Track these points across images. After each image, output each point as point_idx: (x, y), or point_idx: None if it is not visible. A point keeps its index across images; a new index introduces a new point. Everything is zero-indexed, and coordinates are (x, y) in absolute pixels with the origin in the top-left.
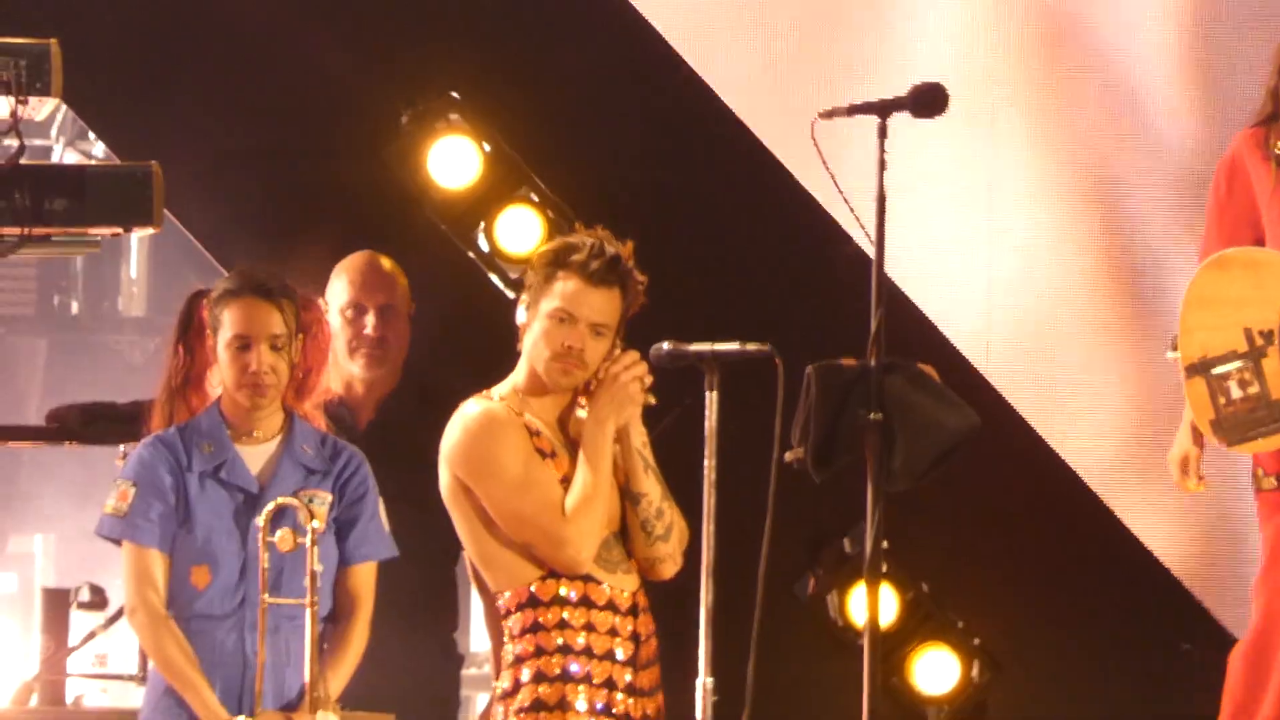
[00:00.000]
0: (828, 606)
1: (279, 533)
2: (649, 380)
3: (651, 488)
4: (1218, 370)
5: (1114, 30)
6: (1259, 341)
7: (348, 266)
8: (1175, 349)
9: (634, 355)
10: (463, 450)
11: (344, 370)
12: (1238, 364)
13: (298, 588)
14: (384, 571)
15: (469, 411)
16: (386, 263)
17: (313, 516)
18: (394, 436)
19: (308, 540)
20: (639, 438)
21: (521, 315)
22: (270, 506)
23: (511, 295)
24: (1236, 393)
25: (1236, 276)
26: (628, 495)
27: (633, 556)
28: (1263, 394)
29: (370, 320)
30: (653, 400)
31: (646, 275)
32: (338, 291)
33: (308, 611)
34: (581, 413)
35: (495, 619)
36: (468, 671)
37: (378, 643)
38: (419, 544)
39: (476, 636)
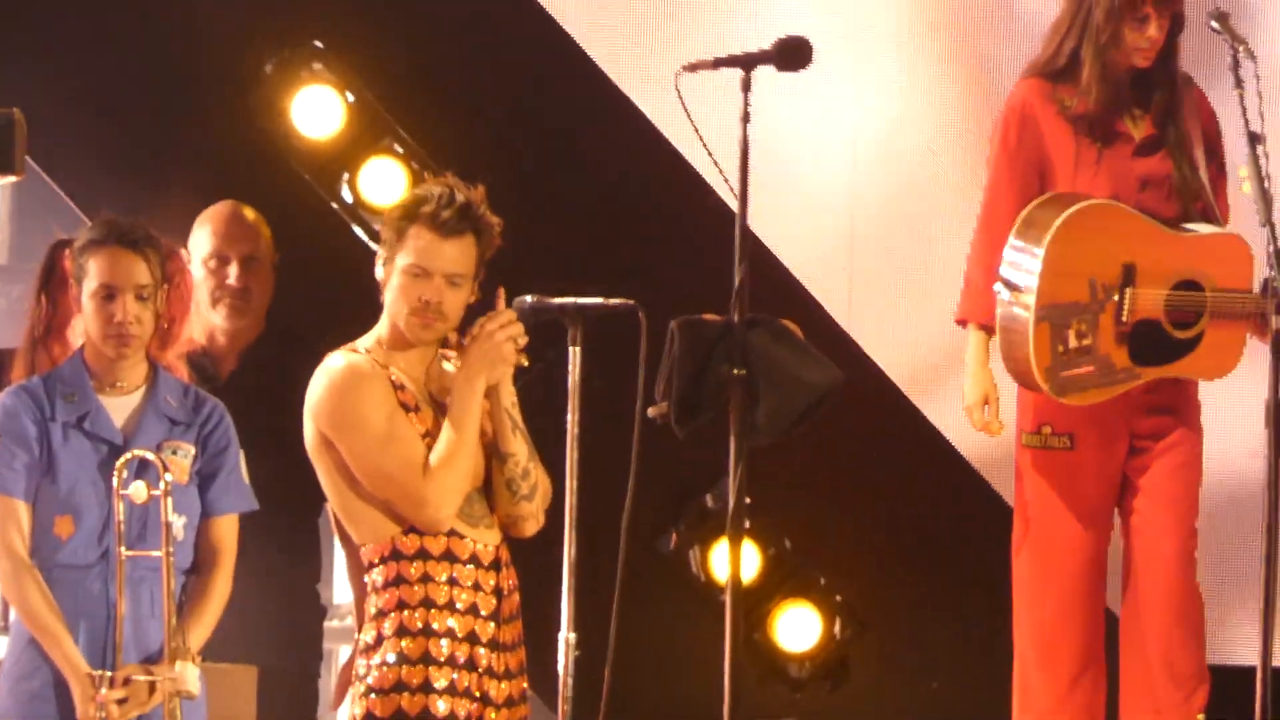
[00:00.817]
0: (690, 562)
1: (133, 485)
2: (523, 340)
3: (519, 448)
4: (1062, 317)
5: None
6: (1100, 295)
7: (211, 217)
8: (1011, 288)
9: (510, 314)
10: (326, 404)
11: (206, 321)
12: (1079, 314)
13: (159, 540)
14: (246, 523)
15: (333, 364)
16: (250, 213)
17: (167, 469)
18: (256, 387)
19: (160, 491)
20: (509, 397)
21: (380, 271)
22: (124, 459)
23: (374, 246)
24: (1073, 342)
25: (1093, 228)
26: (495, 454)
27: (495, 512)
28: (1093, 346)
29: (233, 270)
30: (525, 361)
31: (510, 229)
32: (200, 242)
33: (163, 561)
34: (448, 365)
35: (359, 571)
36: (330, 624)
37: (240, 594)
38: (281, 495)
39: (339, 588)
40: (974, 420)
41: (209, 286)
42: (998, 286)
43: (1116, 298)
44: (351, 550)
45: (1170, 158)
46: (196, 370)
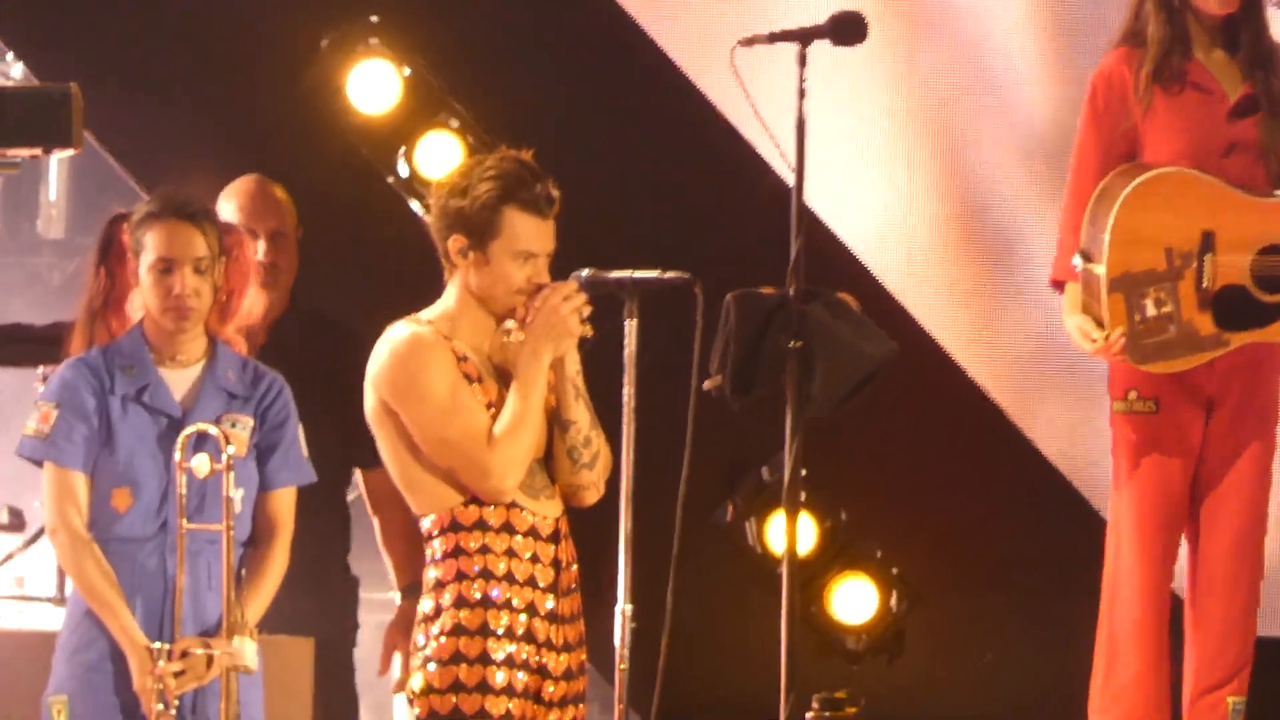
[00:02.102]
0: (746, 534)
1: (196, 459)
2: (587, 310)
3: (581, 416)
4: (1137, 287)
5: None
6: (1178, 263)
7: (236, 191)
8: (1086, 259)
9: (572, 285)
10: (389, 373)
11: None
12: (1156, 283)
13: (218, 513)
14: None
15: (396, 335)
16: (275, 187)
17: (229, 442)
18: (285, 359)
19: (222, 465)
20: (573, 366)
21: (460, 251)
22: (187, 432)
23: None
24: (1151, 310)
25: (1164, 196)
26: (557, 422)
27: (556, 482)
28: (1175, 314)
29: (261, 246)
30: (590, 332)
31: (566, 202)
32: (226, 216)
33: (223, 536)
34: (516, 336)
35: (393, 539)
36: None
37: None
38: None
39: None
40: (1099, 347)
41: None
42: (1075, 259)
43: (1195, 265)
44: (385, 520)
45: (1261, 122)
46: None
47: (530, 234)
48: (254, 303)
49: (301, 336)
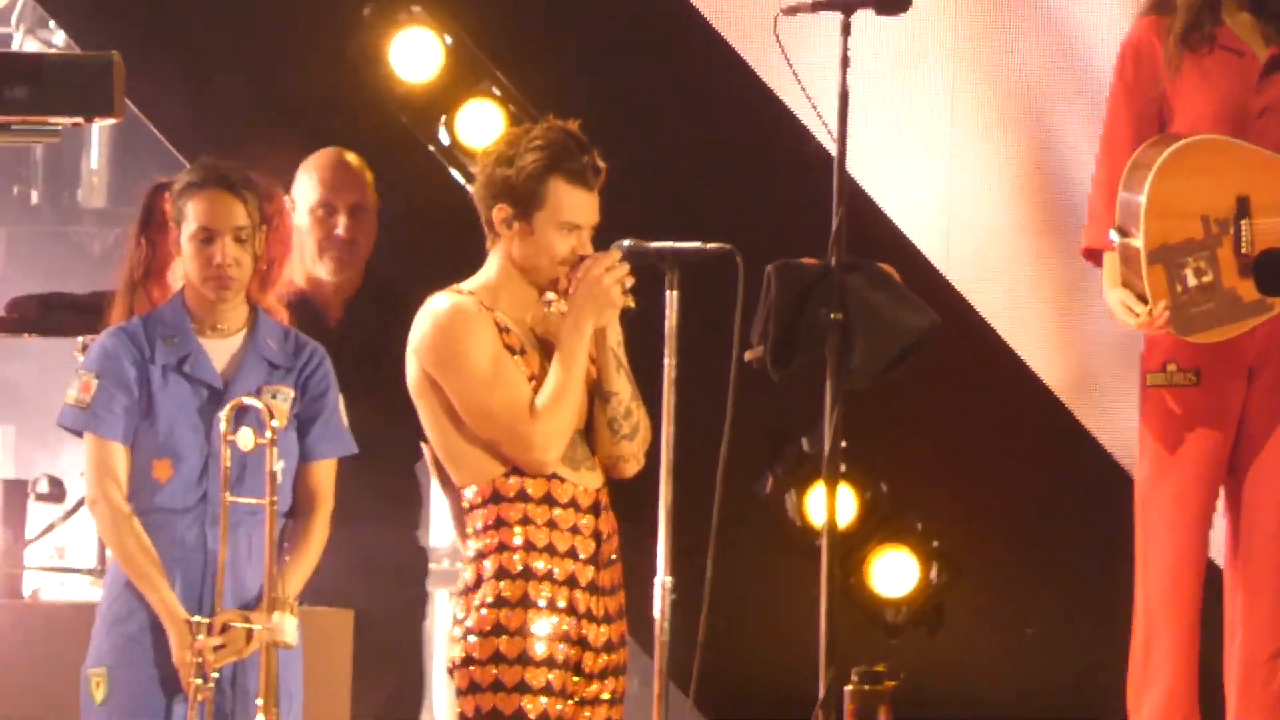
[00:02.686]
0: (786, 506)
1: (240, 431)
2: (630, 282)
3: (622, 387)
4: (1177, 258)
5: None
6: (1215, 230)
7: (316, 164)
8: (1123, 233)
9: (615, 255)
10: (431, 344)
11: (311, 270)
12: (1195, 252)
13: (259, 485)
14: (346, 468)
15: (438, 305)
16: (354, 160)
17: (273, 416)
18: (361, 334)
19: (266, 439)
20: (615, 336)
21: (505, 220)
22: (232, 404)
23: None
24: (1192, 281)
25: (1197, 164)
26: (598, 393)
27: (597, 454)
28: (1215, 283)
29: (341, 221)
30: (632, 303)
31: (608, 172)
32: (306, 190)
33: (266, 511)
34: (559, 307)
35: (460, 515)
36: (430, 567)
37: (344, 541)
38: (383, 441)
39: (436, 533)
40: (1143, 321)
41: (315, 236)
42: (1111, 233)
43: (1233, 231)
44: (453, 494)
45: None
46: (302, 318)
47: (575, 205)
48: (295, 272)
49: (377, 312)
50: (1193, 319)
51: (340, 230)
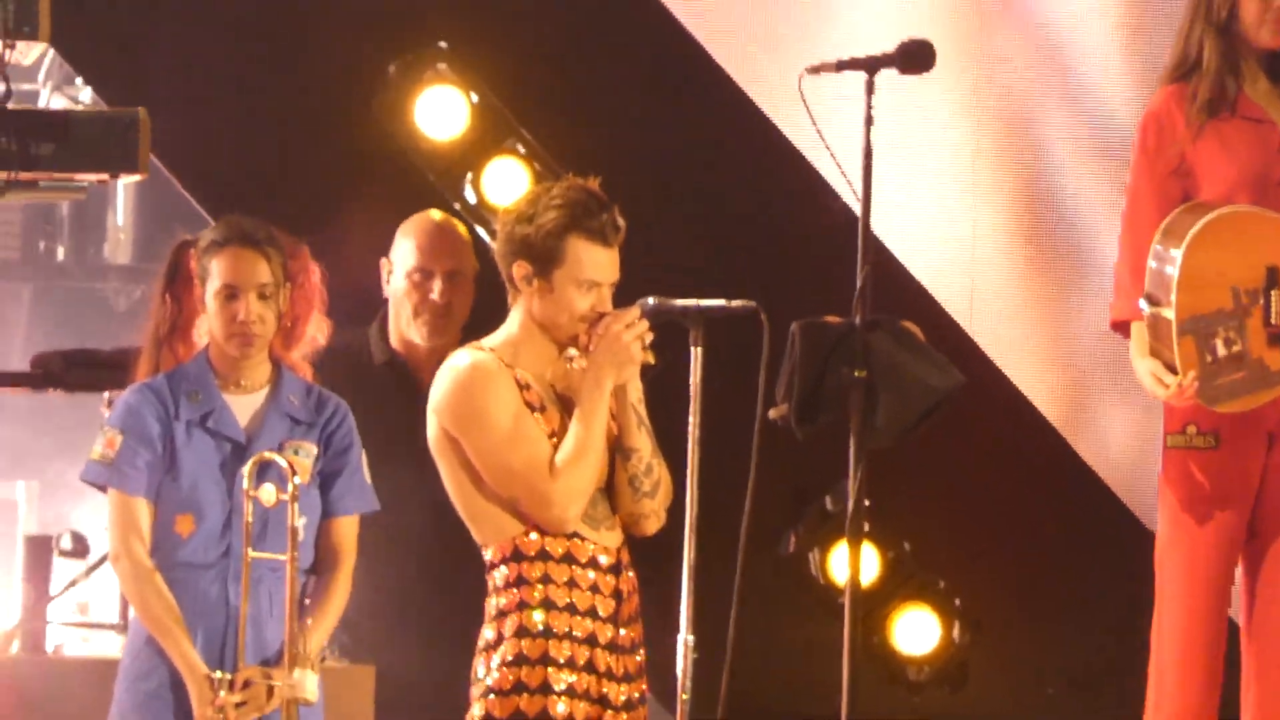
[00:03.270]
0: (809, 564)
1: (263, 487)
2: (649, 338)
3: (643, 444)
4: (1207, 328)
5: None
6: (1244, 300)
7: (415, 229)
8: (1153, 303)
9: (635, 312)
10: (451, 401)
11: (405, 333)
12: (1224, 323)
13: (281, 541)
14: (425, 524)
15: (459, 363)
16: (454, 224)
17: (295, 472)
18: None
19: (289, 495)
20: (635, 393)
21: (528, 281)
22: (254, 460)
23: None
24: (1222, 351)
25: (1227, 235)
26: (619, 450)
27: (617, 512)
28: (1245, 353)
29: (438, 286)
30: (652, 359)
31: (632, 230)
32: (404, 254)
33: (288, 568)
34: (579, 364)
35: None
36: None
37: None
38: None
39: None
40: (1172, 393)
41: (412, 300)
42: (1141, 302)
43: (1262, 301)
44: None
45: None
46: (396, 379)
47: (594, 263)
48: (318, 329)
49: None
50: (1221, 389)
51: (435, 295)
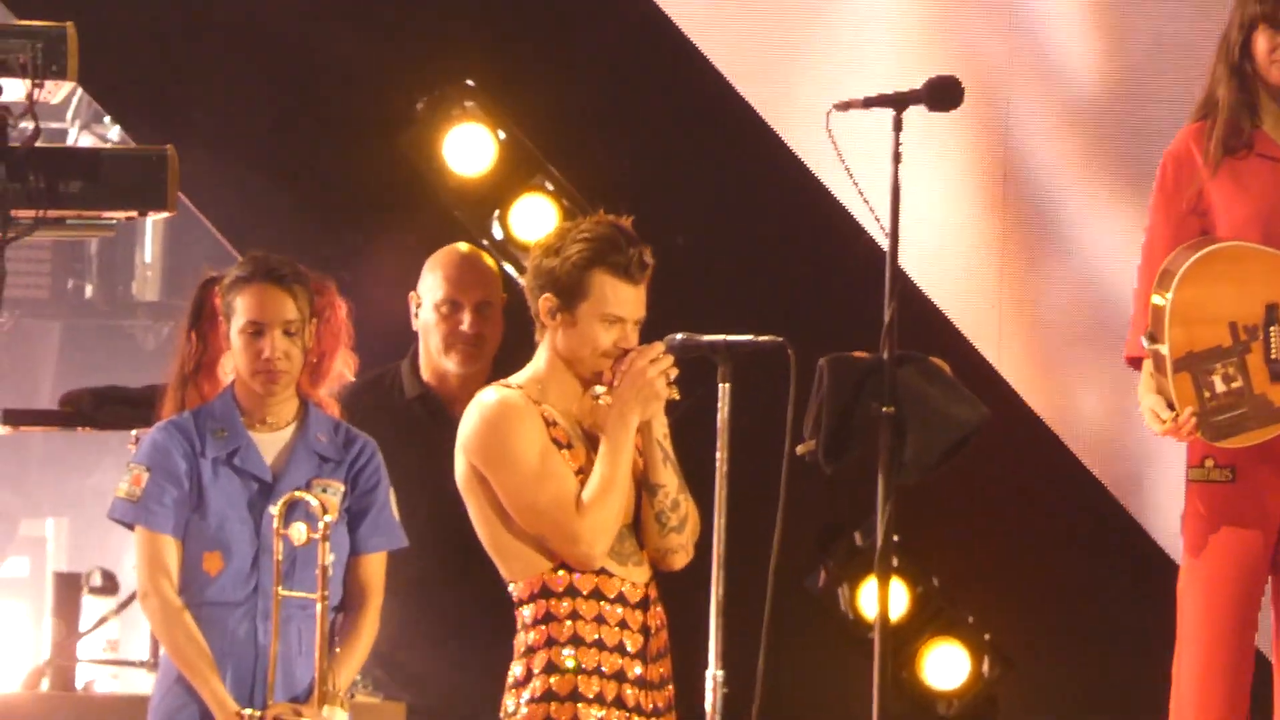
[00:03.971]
0: (838, 600)
1: (293, 526)
2: (674, 373)
3: (669, 479)
4: (1204, 365)
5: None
6: (1243, 337)
7: (442, 261)
8: (1152, 339)
9: (658, 348)
10: (479, 439)
11: (437, 362)
12: (1223, 359)
13: (309, 579)
14: (452, 558)
15: (486, 399)
16: (481, 256)
17: (326, 510)
18: None
19: (319, 534)
20: (660, 429)
21: (552, 315)
22: (285, 499)
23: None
24: (1220, 387)
25: (1223, 271)
26: (645, 486)
27: (645, 548)
28: (1245, 389)
29: (466, 317)
30: (677, 395)
31: (660, 265)
32: (432, 286)
33: (318, 606)
34: (605, 400)
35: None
36: None
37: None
38: None
39: None
40: (1168, 428)
41: (441, 332)
42: (1143, 339)
43: (1263, 337)
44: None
45: None
46: (428, 411)
47: (619, 298)
48: (345, 365)
49: None
50: (1222, 425)
51: (465, 326)
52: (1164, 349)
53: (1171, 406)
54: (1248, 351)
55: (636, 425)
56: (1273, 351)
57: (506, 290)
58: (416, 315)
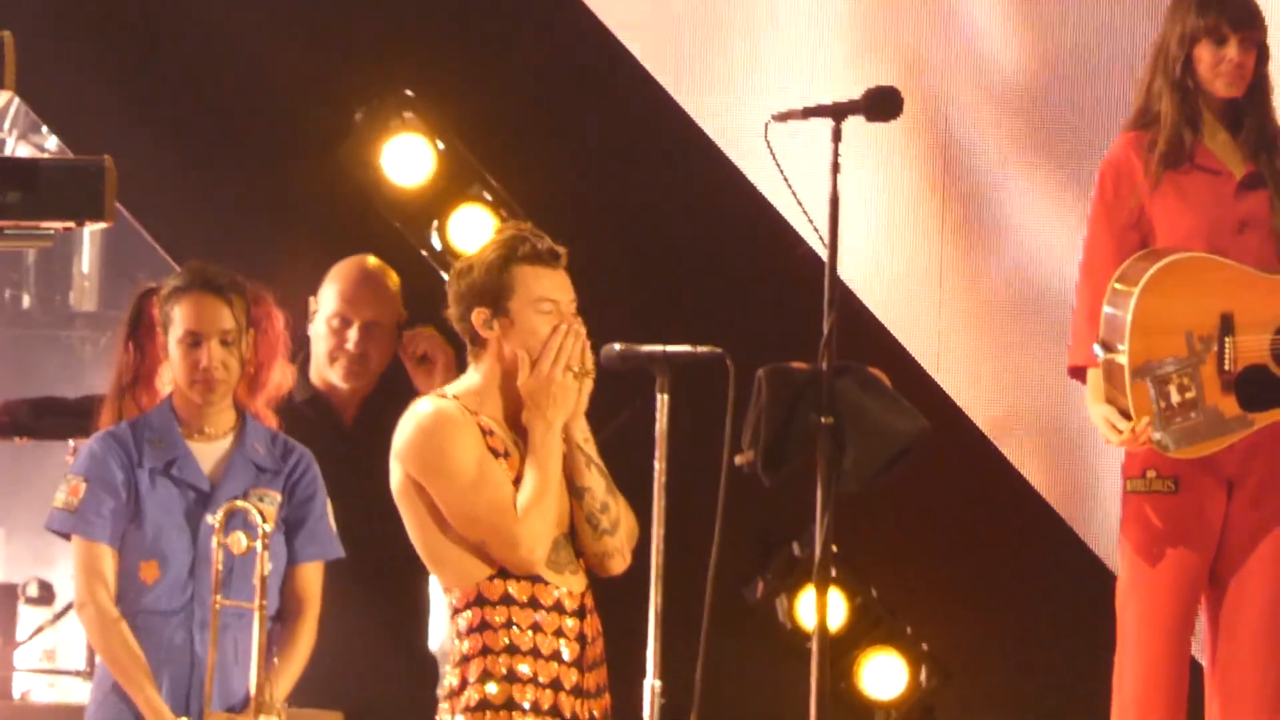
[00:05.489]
0: (776, 610)
1: (232, 535)
2: (588, 369)
3: (595, 482)
4: (1159, 374)
5: (1083, 27)
6: (1198, 347)
7: (340, 275)
8: (1106, 348)
9: (554, 345)
10: (415, 447)
11: (323, 374)
12: (1177, 368)
13: (246, 588)
14: (357, 571)
15: (422, 409)
16: (382, 274)
17: (265, 519)
18: (378, 434)
19: (259, 544)
20: (580, 433)
21: (488, 326)
22: (225, 507)
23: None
24: (1175, 397)
25: (1180, 281)
26: (572, 491)
27: (581, 556)
28: (1198, 399)
29: (353, 335)
30: (590, 372)
31: (598, 275)
32: (327, 299)
33: (255, 615)
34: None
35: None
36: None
37: (349, 646)
38: (395, 540)
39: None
40: (1125, 438)
41: (328, 345)
42: (1096, 347)
43: (1216, 348)
44: None
45: (1271, 201)
46: (319, 416)
47: (544, 282)
48: (283, 375)
49: (394, 411)
50: (1175, 434)
51: (350, 345)
52: (1121, 359)
53: (1127, 416)
54: (1202, 362)
55: (559, 428)
56: (1225, 363)
57: (445, 301)
58: (311, 320)
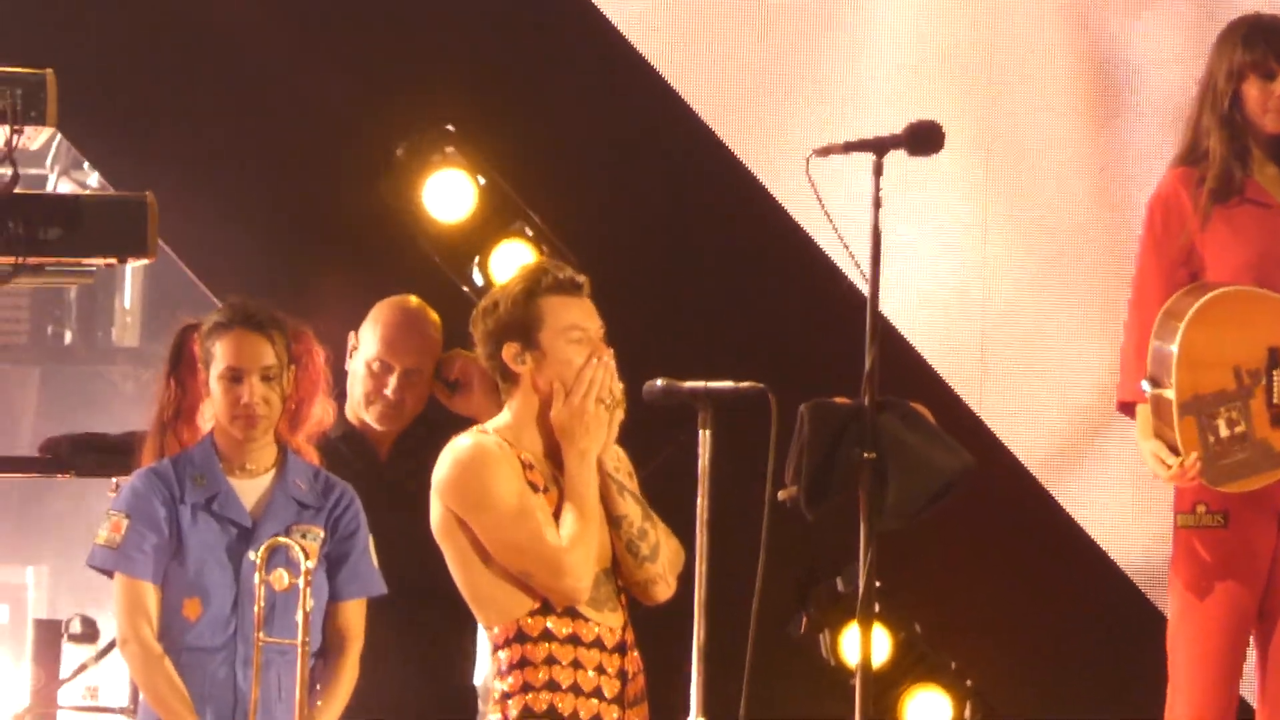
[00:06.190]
0: (820, 646)
1: (274, 572)
2: (617, 398)
3: (630, 509)
4: (1208, 409)
5: (1125, 66)
6: (1247, 381)
7: (383, 319)
8: (1155, 384)
9: (585, 379)
10: (456, 483)
11: (358, 413)
12: (1227, 403)
13: (289, 624)
14: (396, 603)
15: (461, 444)
16: (422, 316)
17: (307, 556)
18: (413, 469)
19: (301, 581)
20: (610, 462)
21: (519, 361)
22: (267, 544)
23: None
24: (1224, 431)
25: (1228, 315)
26: (609, 520)
27: (625, 589)
28: (1248, 434)
29: (393, 382)
30: (620, 400)
31: (640, 311)
32: (368, 341)
33: (299, 651)
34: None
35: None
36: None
37: (389, 681)
38: (435, 575)
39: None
40: (1174, 473)
41: (365, 388)
42: (1144, 383)
43: (1265, 381)
44: None
45: None
46: (356, 451)
47: (571, 311)
48: (324, 411)
49: (431, 447)
50: (1224, 470)
51: (389, 392)
52: (1169, 393)
53: (1175, 451)
54: (1251, 396)
55: (594, 460)
56: (1274, 396)
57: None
58: (350, 356)
